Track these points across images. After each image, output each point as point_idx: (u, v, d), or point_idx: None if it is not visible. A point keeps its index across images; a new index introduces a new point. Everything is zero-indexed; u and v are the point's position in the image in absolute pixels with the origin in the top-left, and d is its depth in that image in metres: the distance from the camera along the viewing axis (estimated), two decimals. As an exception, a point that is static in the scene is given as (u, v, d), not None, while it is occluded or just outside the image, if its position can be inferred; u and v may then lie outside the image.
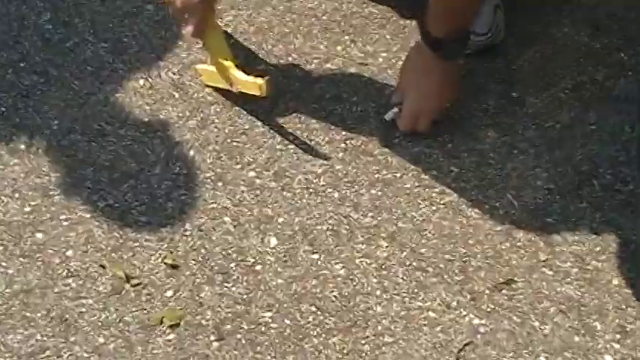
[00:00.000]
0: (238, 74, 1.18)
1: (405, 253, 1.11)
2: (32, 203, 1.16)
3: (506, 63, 1.28)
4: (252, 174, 1.19)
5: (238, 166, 1.19)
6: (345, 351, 1.03)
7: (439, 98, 1.17)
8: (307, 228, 1.13)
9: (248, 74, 1.18)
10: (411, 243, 1.12)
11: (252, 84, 1.16)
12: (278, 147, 1.21)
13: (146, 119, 1.24)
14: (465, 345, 1.03)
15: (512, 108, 1.24)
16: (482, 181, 1.17)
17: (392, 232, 1.13)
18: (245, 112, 1.24)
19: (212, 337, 1.04)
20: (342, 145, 1.21)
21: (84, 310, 1.07)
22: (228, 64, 1.18)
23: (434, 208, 1.15)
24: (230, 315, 1.06)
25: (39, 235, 1.13)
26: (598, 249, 1.10)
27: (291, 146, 1.21)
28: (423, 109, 1.17)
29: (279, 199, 1.16)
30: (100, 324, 1.06)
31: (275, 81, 1.24)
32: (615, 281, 1.08)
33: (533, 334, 1.04)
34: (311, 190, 1.17)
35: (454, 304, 1.06)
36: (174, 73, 1.29)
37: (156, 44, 1.32)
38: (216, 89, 1.26)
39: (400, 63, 1.24)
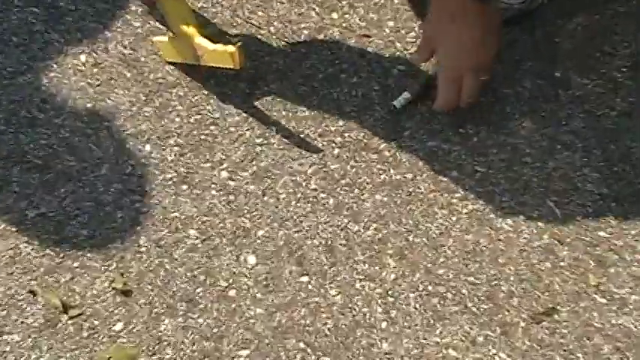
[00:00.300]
0: (204, 43, 1.17)
1: (417, 275, 1.11)
2: (-57, 212, 1.16)
3: (547, 34, 1.28)
4: (224, 175, 1.18)
5: (207, 165, 1.19)
6: (342, 400, 1.03)
7: (485, 49, 1.11)
8: (294, 243, 1.13)
9: (216, 43, 1.17)
10: (425, 262, 1.12)
11: (221, 54, 1.16)
12: (257, 141, 1.21)
13: (89, 105, 1.24)
14: (495, 392, 1.04)
15: (554, 91, 1.23)
16: (515, 184, 1.17)
17: (401, 249, 1.12)
18: (215, 97, 1.24)
19: (173, 383, 1.05)
20: (339, 138, 1.21)
21: (7, 349, 1.07)
22: (192, 31, 1.18)
23: (454, 218, 1.15)
24: (196, 354, 1.06)
25: (-49, 253, 1.13)
26: (663, 270, 1.11)
27: (274, 140, 1.21)
28: (469, 66, 1.12)
29: (259, 207, 1.16)
30: (29, 366, 1.06)
31: (253, 57, 1.24)
32: (685, 311, 1.08)
33: (581, 378, 1.04)
34: (299, 195, 1.17)
35: (480, 339, 1.06)
36: (124, 47, 1.28)
37: (101, 10, 1.31)
38: (179, 67, 1.25)
39: (411, 34, 1.24)
